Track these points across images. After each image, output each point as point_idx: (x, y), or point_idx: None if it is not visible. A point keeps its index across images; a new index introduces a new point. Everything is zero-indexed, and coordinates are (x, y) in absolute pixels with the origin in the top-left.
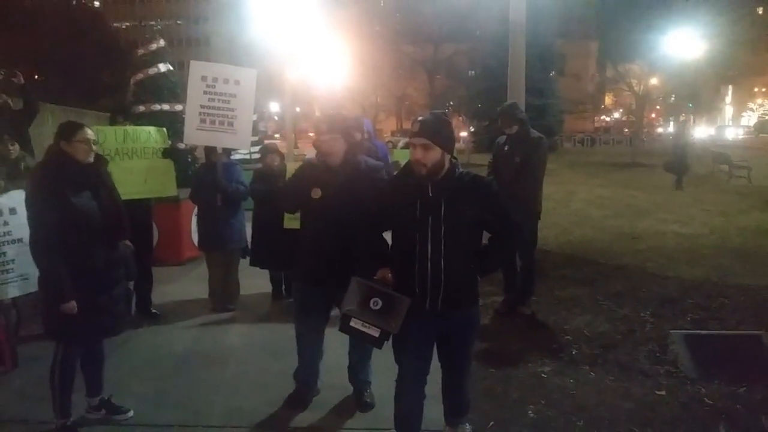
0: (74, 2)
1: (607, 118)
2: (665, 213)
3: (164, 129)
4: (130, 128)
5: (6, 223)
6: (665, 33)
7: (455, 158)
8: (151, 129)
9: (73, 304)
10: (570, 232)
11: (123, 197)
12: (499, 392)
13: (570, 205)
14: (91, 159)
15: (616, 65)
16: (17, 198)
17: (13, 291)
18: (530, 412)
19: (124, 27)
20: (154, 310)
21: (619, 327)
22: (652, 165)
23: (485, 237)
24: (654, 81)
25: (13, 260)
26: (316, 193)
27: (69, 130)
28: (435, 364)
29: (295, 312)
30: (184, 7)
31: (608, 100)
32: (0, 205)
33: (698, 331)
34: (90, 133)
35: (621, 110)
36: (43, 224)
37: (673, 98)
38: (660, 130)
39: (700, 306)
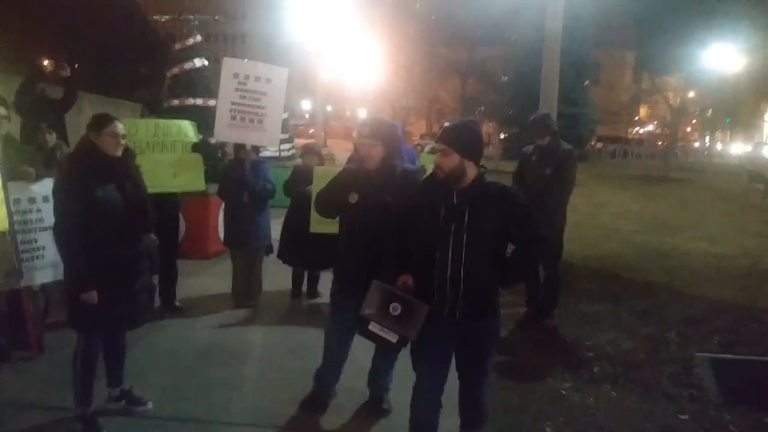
0: None
1: (641, 130)
2: (696, 230)
3: (195, 123)
4: (161, 121)
5: (39, 210)
6: (705, 46)
7: (484, 167)
8: (182, 123)
9: (94, 294)
10: (597, 245)
11: (152, 190)
12: (517, 406)
13: (598, 218)
14: (119, 153)
15: (653, 77)
16: (51, 186)
17: (42, 277)
18: (548, 428)
19: (162, 20)
20: (177, 303)
21: (643, 346)
22: (686, 180)
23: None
24: (691, 94)
25: (44, 247)
26: (353, 198)
27: (99, 123)
28: (455, 374)
29: (330, 312)
30: (223, 2)
31: (643, 111)
32: (33, 192)
33: (725, 355)
34: (120, 127)
35: (655, 122)
36: (67, 214)
37: (710, 113)
38: (696, 144)
39: (728, 329)
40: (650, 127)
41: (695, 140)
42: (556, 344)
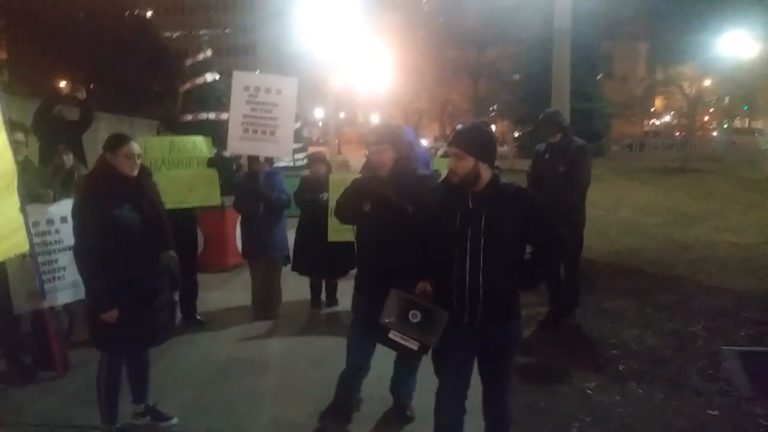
0: (126, 14)
1: (657, 122)
2: (719, 221)
3: (209, 138)
4: (176, 138)
5: (58, 231)
6: (719, 34)
7: (498, 169)
8: (197, 139)
9: (114, 313)
10: (617, 240)
11: (168, 206)
12: (542, 408)
13: (617, 213)
14: (135, 172)
15: (667, 67)
16: (69, 207)
17: (64, 297)
18: (574, 429)
19: (174, 36)
20: (198, 317)
21: (669, 341)
22: (706, 170)
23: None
24: (707, 83)
25: (64, 267)
26: (366, 206)
27: (114, 143)
28: (478, 377)
29: (352, 321)
30: (232, 16)
31: (658, 103)
32: (51, 214)
33: (753, 348)
34: (135, 147)
35: (672, 113)
36: (85, 234)
37: (727, 100)
38: (715, 133)
39: (756, 320)
40: (667, 118)
41: (713, 129)
42: (579, 343)
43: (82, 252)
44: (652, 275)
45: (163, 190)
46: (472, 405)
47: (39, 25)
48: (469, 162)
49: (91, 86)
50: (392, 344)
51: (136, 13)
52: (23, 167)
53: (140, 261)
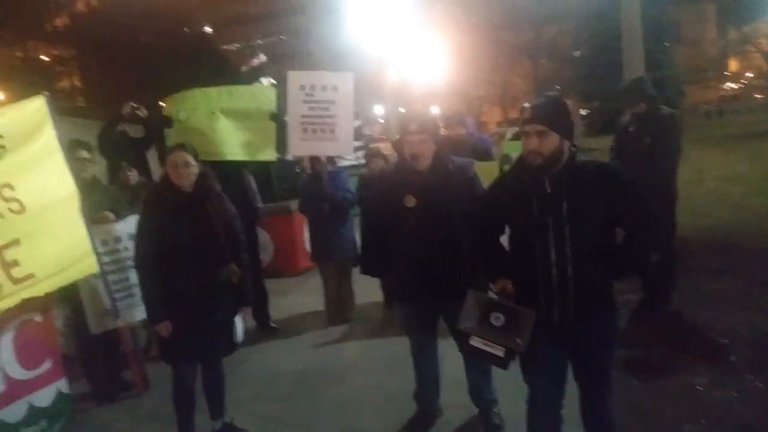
0: (186, 30)
1: (734, 85)
2: None
3: (272, 89)
4: (233, 88)
5: (126, 248)
6: None
7: (575, 146)
8: (255, 88)
9: (165, 325)
10: (707, 214)
11: (222, 157)
12: (649, 409)
13: (702, 185)
14: (188, 184)
15: (740, 26)
16: (135, 223)
17: (140, 314)
18: None
19: (234, 48)
20: (272, 324)
21: None
22: None
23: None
24: None
25: (137, 284)
26: (410, 201)
27: (167, 153)
28: (573, 382)
29: (405, 331)
30: (285, 23)
31: (733, 65)
32: (118, 231)
33: None
34: (181, 156)
35: (751, 75)
36: (138, 245)
37: None
38: None
39: None
40: (744, 81)
41: None
42: (681, 332)
43: (135, 264)
44: (752, 250)
45: (219, 140)
46: (567, 411)
47: (106, 52)
48: (554, 139)
49: (159, 103)
50: (474, 351)
51: (195, 29)
52: (91, 185)
53: (190, 276)
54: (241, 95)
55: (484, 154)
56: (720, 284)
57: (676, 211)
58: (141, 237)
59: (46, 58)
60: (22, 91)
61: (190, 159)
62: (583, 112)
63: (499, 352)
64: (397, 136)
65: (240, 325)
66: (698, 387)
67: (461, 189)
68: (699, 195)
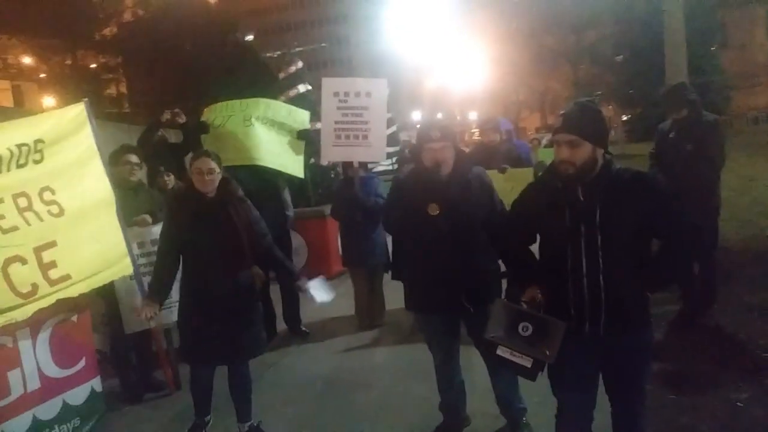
0: (228, 39)
1: None
2: None
3: (307, 112)
4: (272, 101)
5: None
6: None
7: (609, 153)
8: (292, 108)
9: (153, 307)
10: (754, 224)
11: (252, 162)
12: (686, 426)
13: (750, 193)
14: (211, 189)
15: None
16: None
17: (173, 315)
18: None
19: (275, 56)
20: (303, 328)
21: None
22: None
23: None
24: None
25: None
26: (434, 210)
27: (191, 159)
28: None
29: (426, 343)
30: (327, 31)
31: None
32: (155, 234)
33: None
34: (205, 162)
35: None
36: (159, 243)
37: None
38: None
39: None
40: None
41: None
42: (722, 345)
43: (156, 258)
44: None
45: (255, 145)
46: (598, 422)
47: (151, 60)
48: (586, 149)
49: (201, 109)
50: (501, 362)
51: (237, 37)
52: (137, 189)
53: (212, 279)
54: (277, 110)
55: (518, 161)
56: (764, 296)
57: (719, 220)
58: (163, 237)
59: (94, 66)
60: (71, 97)
61: (214, 165)
62: (624, 117)
63: (526, 362)
64: (414, 142)
65: (316, 290)
66: (738, 403)
67: (480, 196)
68: (746, 204)
